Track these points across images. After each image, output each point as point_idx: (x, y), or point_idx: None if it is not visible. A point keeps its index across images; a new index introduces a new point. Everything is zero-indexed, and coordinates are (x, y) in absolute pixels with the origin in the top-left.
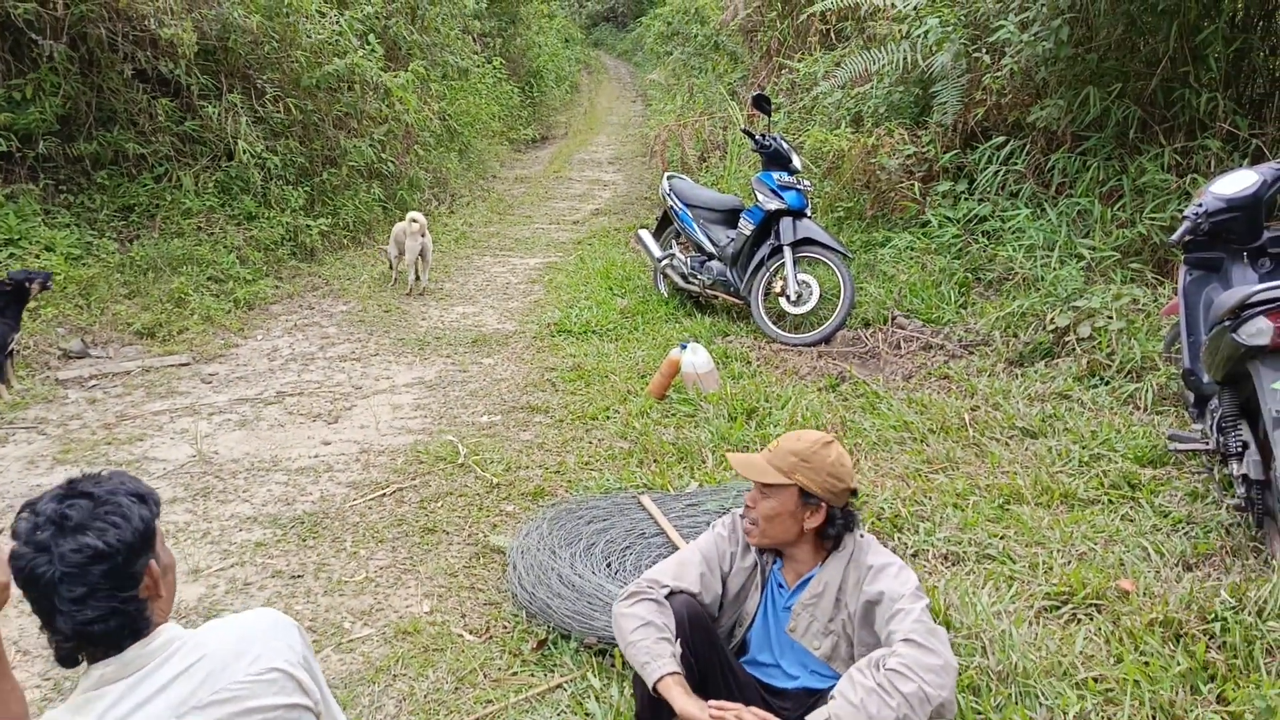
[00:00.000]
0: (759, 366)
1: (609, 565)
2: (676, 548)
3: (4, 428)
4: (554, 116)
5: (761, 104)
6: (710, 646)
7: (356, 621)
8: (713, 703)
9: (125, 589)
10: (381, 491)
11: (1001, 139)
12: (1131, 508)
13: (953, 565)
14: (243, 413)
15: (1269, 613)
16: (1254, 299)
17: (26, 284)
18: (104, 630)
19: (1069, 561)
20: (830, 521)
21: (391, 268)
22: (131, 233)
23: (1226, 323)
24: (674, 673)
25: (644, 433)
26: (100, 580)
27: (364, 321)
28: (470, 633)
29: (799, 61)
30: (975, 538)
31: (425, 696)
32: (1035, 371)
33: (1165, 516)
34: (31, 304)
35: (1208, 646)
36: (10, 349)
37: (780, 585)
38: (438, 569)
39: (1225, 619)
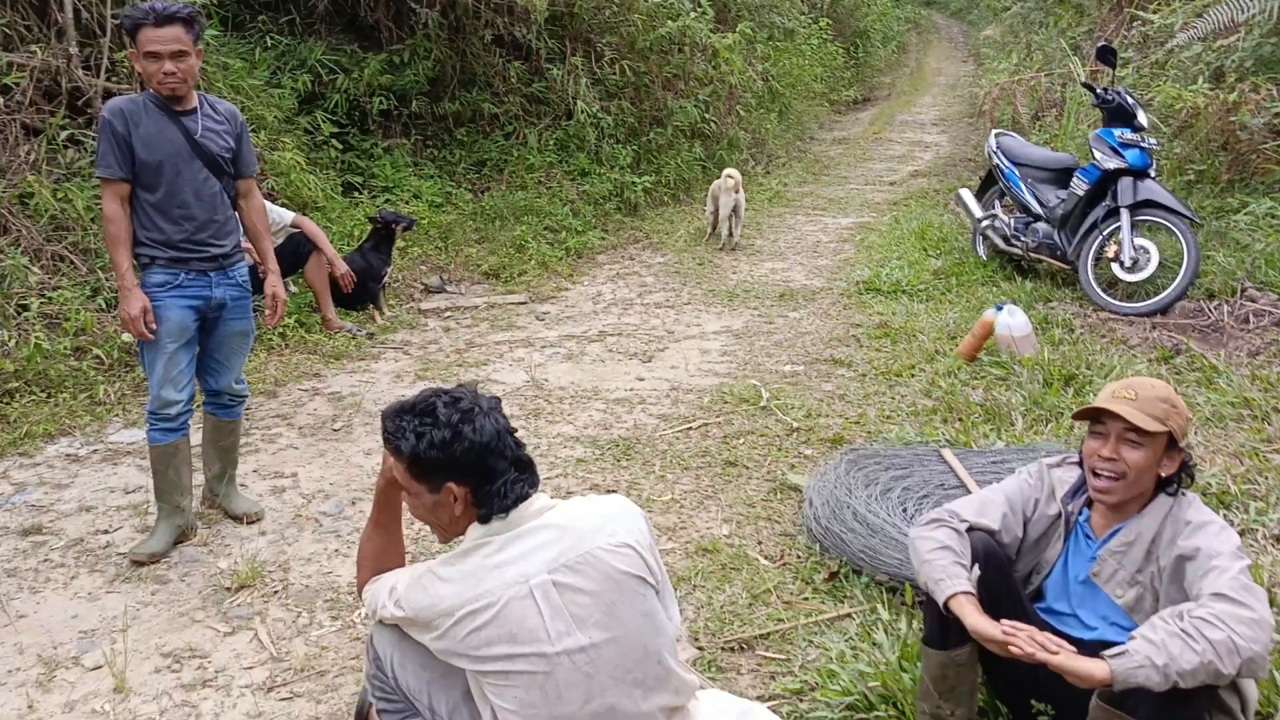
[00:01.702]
0: (1082, 334)
1: (904, 510)
2: None
3: (377, 346)
4: (878, 77)
5: (1106, 56)
6: (1004, 585)
7: (662, 536)
8: (1006, 622)
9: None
10: (688, 425)
11: None
12: None
13: None
14: (569, 347)
15: None
16: None
17: (394, 225)
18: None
19: None
20: (1183, 467)
21: (711, 224)
22: (483, 184)
23: None
24: (968, 592)
25: (950, 392)
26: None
27: (678, 273)
28: (765, 558)
29: (1154, 11)
30: None
31: (721, 607)
32: None
33: None
34: (400, 243)
35: None
36: (384, 280)
37: (1088, 536)
38: (737, 499)
39: None
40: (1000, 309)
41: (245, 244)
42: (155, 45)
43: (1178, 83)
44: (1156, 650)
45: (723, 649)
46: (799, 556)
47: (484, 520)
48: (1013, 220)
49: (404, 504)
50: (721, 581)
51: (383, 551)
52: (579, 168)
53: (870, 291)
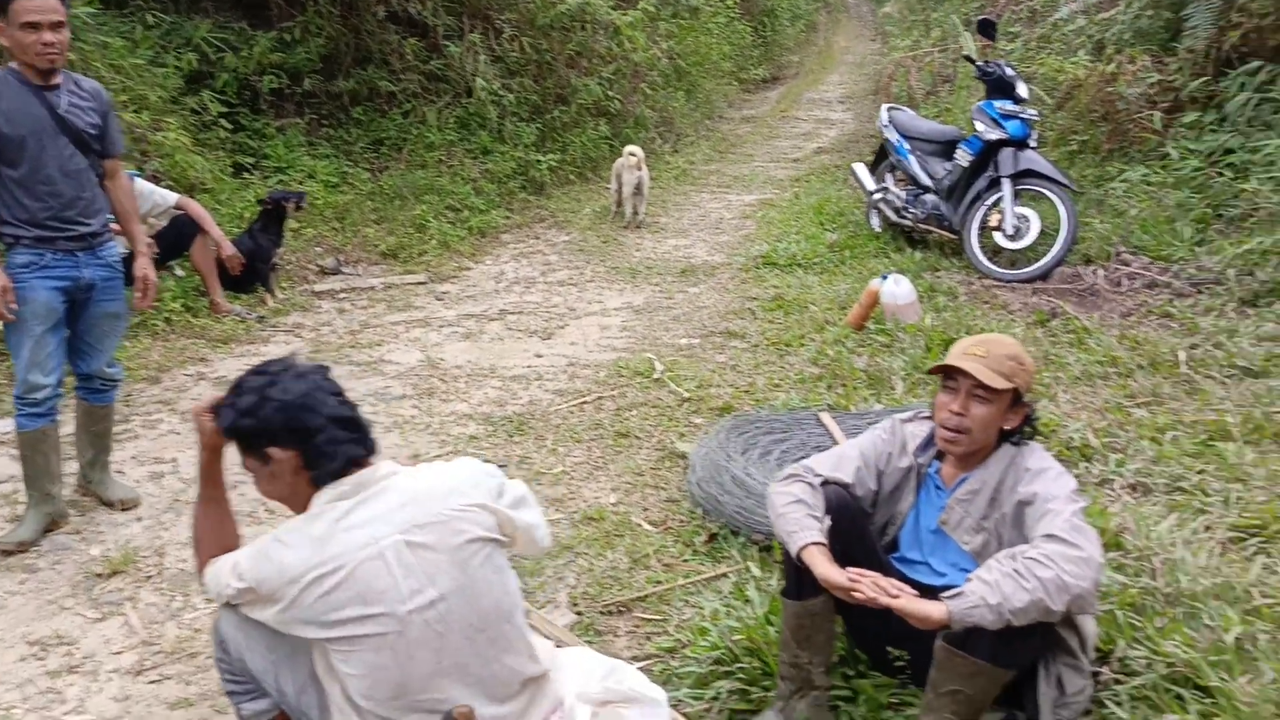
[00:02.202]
0: (966, 301)
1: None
2: None
3: (267, 329)
4: (787, 56)
5: (986, 29)
6: (857, 536)
7: (550, 507)
8: (852, 569)
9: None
10: (583, 399)
11: (1258, 65)
12: None
13: (1140, 495)
14: (468, 326)
15: None
16: None
17: (284, 203)
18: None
19: (1270, 499)
20: (1026, 420)
21: (615, 202)
22: (381, 164)
23: None
24: (818, 543)
25: (836, 359)
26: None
27: (583, 251)
28: (650, 524)
29: None
30: (1169, 471)
31: (602, 572)
32: (1271, 311)
33: None
34: (294, 223)
35: None
36: (274, 262)
37: (938, 486)
38: (626, 468)
39: None
40: (885, 278)
41: (114, 226)
42: (34, 15)
43: (1061, 55)
44: (990, 590)
45: (601, 613)
46: (681, 521)
47: (317, 483)
48: (903, 192)
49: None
50: (604, 548)
51: (218, 527)
52: (481, 146)
53: (768, 266)
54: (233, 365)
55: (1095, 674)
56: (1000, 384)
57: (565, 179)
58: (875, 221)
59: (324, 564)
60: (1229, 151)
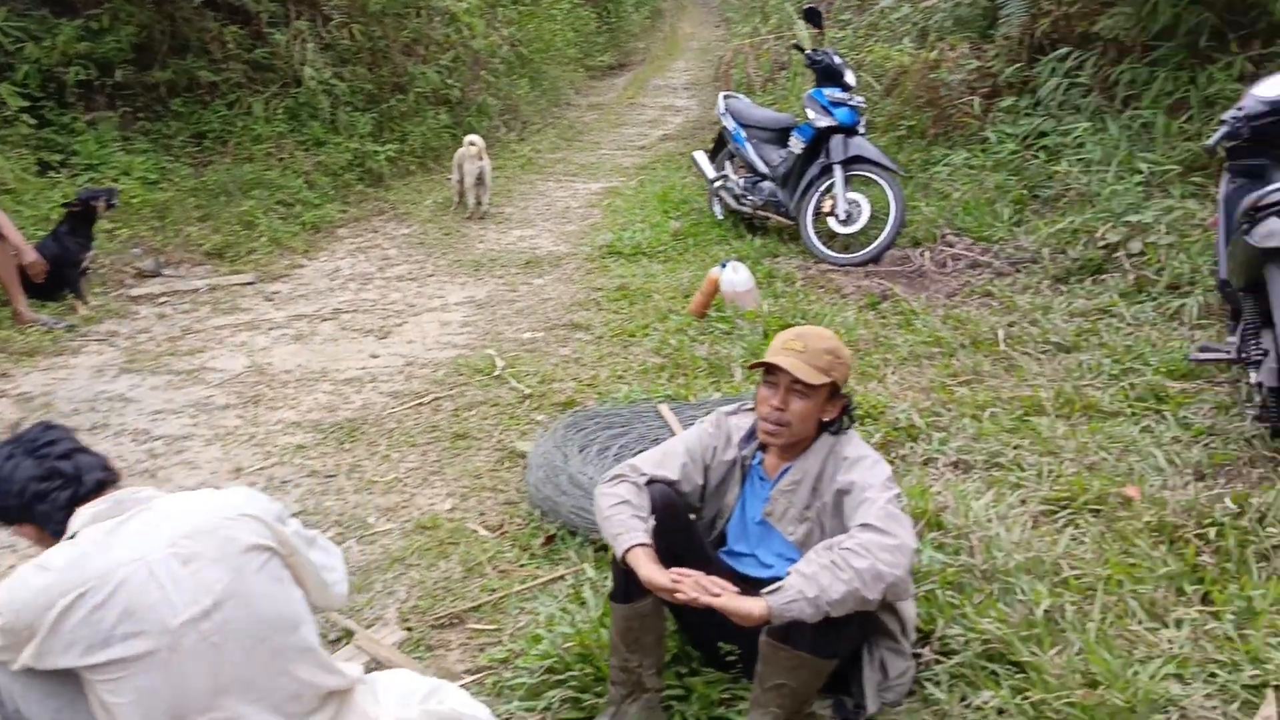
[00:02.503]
0: (803, 286)
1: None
2: None
3: (78, 339)
4: (633, 43)
5: (813, 17)
6: (684, 532)
7: (381, 517)
8: (674, 570)
9: None
10: (419, 400)
11: (1067, 50)
12: (1155, 420)
13: (962, 473)
14: (299, 328)
15: (1270, 519)
16: (1267, 200)
17: (92, 202)
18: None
19: (1078, 470)
20: (844, 411)
21: (457, 193)
22: (205, 158)
23: (1244, 225)
24: (643, 544)
25: (678, 349)
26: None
27: (423, 244)
28: (486, 529)
29: None
30: (987, 447)
31: (434, 584)
32: (1081, 288)
33: (1188, 428)
34: (106, 224)
35: (1199, 550)
36: (84, 266)
37: (761, 478)
38: (463, 471)
39: (1223, 524)
40: (725, 266)
41: None
42: None
43: (887, 43)
44: (808, 583)
45: (433, 626)
46: (520, 524)
47: (58, 535)
48: (742, 180)
49: None
50: (438, 558)
51: None
52: (313, 137)
53: (613, 255)
54: (39, 380)
55: (917, 655)
56: (818, 379)
57: (406, 170)
58: (717, 209)
59: (86, 582)
60: (1043, 135)
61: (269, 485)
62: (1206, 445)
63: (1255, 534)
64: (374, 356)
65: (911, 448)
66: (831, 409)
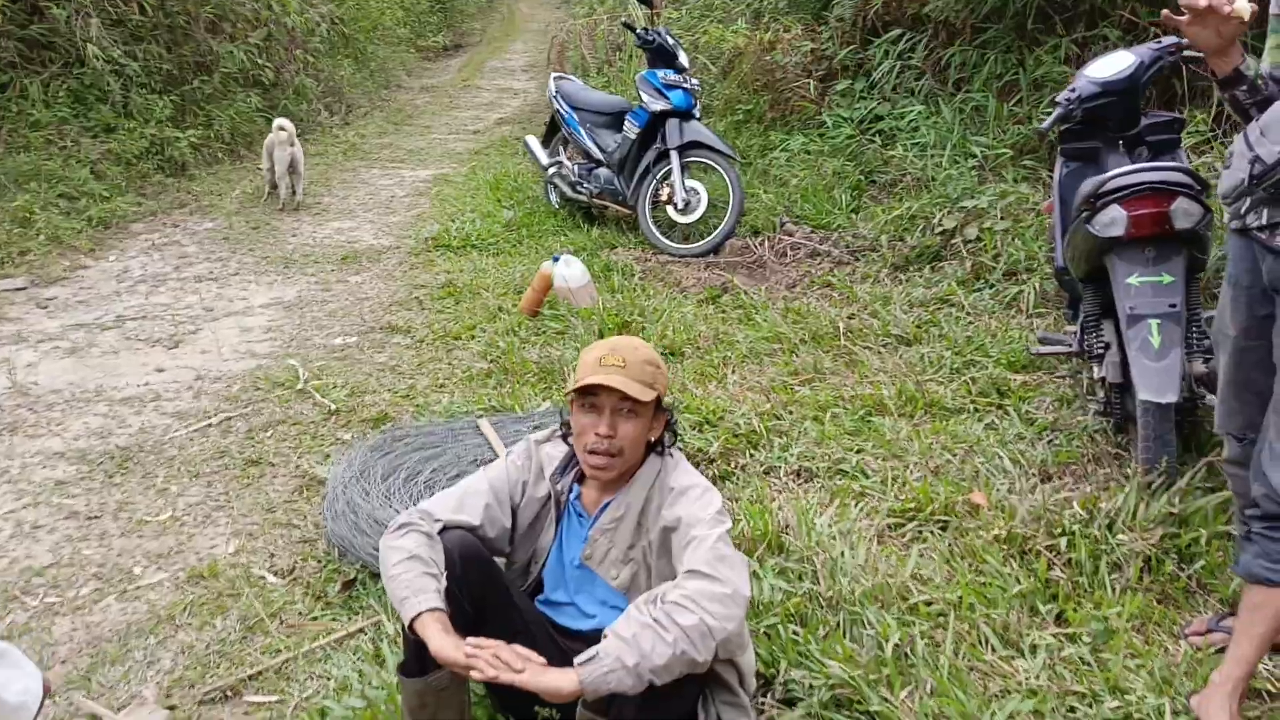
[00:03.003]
0: (642, 280)
1: (433, 495)
2: None
3: None
4: (469, 23)
5: None
6: (488, 584)
7: (150, 566)
8: (470, 641)
9: None
10: (207, 421)
11: (899, 32)
12: (998, 416)
13: (804, 482)
14: (75, 339)
15: (1119, 525)
16: (1107, 186)
17: None
18: None
19: (923, 476)
20: (668, 426)
21: (269, 183)
22: None
23: (1083, 213)
24: (433, 609)
25: (507, 352)
26: None
27: (228, 239)
28: (274, 574)
29: None
30: (830, 452)
31: (207, 648)
32: (920, 276)
33: (1031, 424)
34: None
35: (1051, 564)
36: None
37: (579, 515)
38: (254, 504)
39: (1073, 533)
40: (557, 260)
41: None
42: None
43: (722, 24)
44: (628, 649)
45: (202, 703)
46: (315, 566)
47: None
48: (577, 166)
49: None
50: (214, 614)
51: None
52: (102, 123)
53: (440, 248)
54: None
55: (758, 707)
56: (647, 395)
57: (213, 157)
58: (553, 197)
59: None
60: (878, 119)
61: (17, 533)
62: (1050, 443)
63: (1105, 542)
64: (159, 370)
65: (752, 455)
66: (656, 426)
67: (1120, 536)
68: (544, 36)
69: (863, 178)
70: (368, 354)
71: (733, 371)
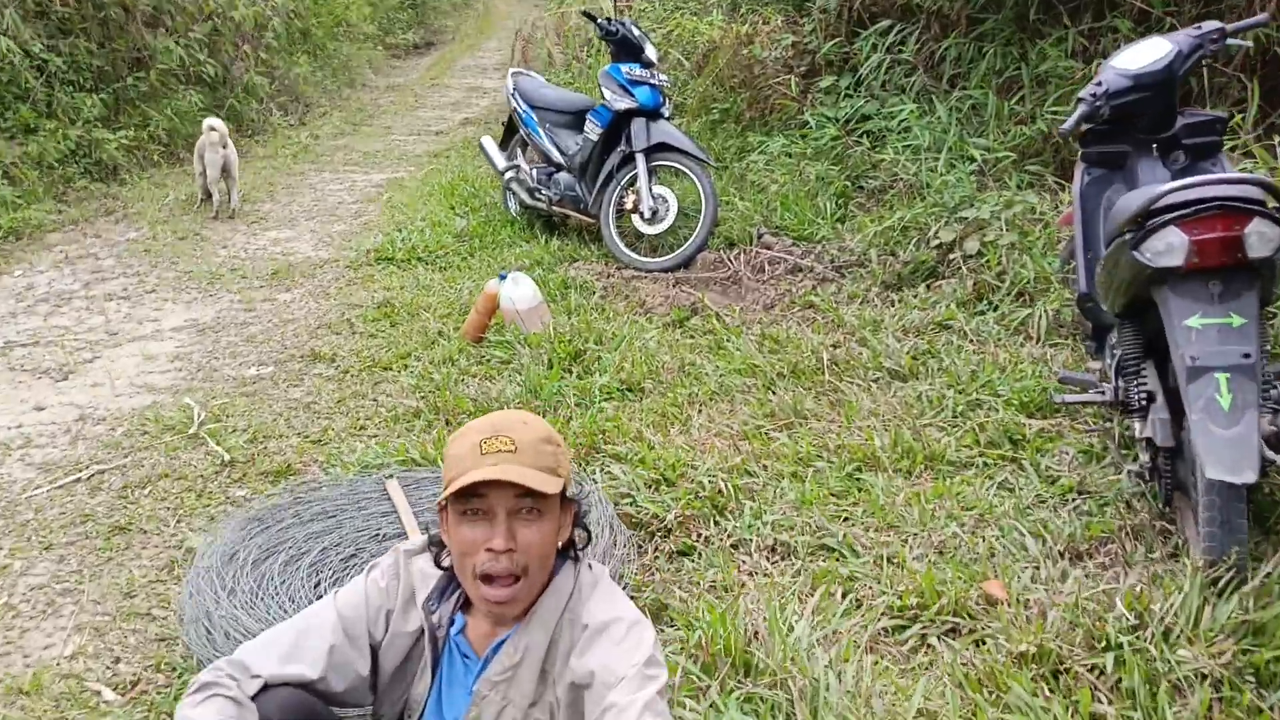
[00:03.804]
0: (603, 298)
1: (318, 585)
2: None
3: None
4: (442, 20)
5: None
6: None
7: None
8: None
9: None
10: (76, 476)
11: (888, 24)
12: (1012, 472)
13: (779, 560)
14: None
15: (1178, 633)
16: (1162, 203)
17: None
18: None
19: (925, 555)
20: (577, 521)
21: (200, 189)
22: None
23: (1127, 235)
24: None
25: (441, 386)
26: None
27: (150, 251)
28: (113, 688)
29: None
30: (811, 521)
31: None
32: (914, 297)
33: (1052, 484)
34: None
35: (1094, 693)
36: None
37: (465, 655)
38: (111, 587)
39: (1120, 646)
40: (504, 278)
41: None
42: None
43: (697, 15)
44: None
45: None
46: (166, 677)
47: None
48: (535, 171)
49: None
50: None
51: None
52: (20, 123)
53: (382, 261)
54: None
55: None
56: (552, 485)
57: (148, 160)
58: (512, 204)
59: None
60: (866, 118)
61: None
62: (1077, 509)
63: (1163, 658)
64: (38, 409)
65: (718, 524)
66: (565, 524)
67: (1181, 652)
68: (518, 34)
69: (849, 184)
70: (282, 388)
71: (699, 412)
